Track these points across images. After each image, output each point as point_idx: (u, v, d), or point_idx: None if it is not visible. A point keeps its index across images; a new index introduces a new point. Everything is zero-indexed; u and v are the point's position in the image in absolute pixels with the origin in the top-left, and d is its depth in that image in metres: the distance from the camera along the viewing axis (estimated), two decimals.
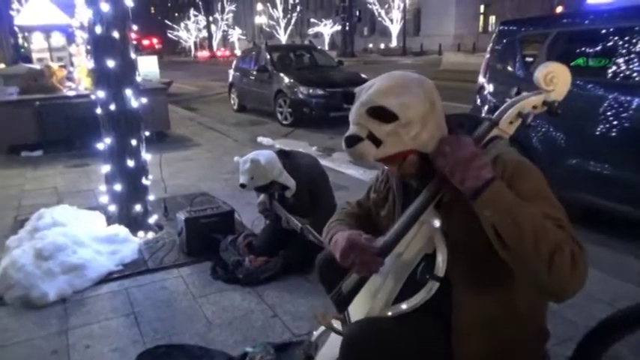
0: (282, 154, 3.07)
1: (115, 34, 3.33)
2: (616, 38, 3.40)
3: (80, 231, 3.29)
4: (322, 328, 1.60)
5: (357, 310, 1.42)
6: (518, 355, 1.32)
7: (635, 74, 3.23)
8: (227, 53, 54.47)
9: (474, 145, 1.15)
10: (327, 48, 39.97)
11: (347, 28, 37.50)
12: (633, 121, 3.14)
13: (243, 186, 2.94)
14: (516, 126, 1.18)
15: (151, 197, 3.87)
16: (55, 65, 8.13)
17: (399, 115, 1.18)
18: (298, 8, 49.09)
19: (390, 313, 1.33)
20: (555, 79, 1.13)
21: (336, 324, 1.45)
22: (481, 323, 1.26)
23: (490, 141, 1.19)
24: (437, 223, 1.26)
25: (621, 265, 2.91)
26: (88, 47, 3.78)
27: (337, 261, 1.37)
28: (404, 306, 1.31)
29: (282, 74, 9.57)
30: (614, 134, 3.25)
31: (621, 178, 3.23)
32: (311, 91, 8.88)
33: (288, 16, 48.64)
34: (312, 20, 49.61)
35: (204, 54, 57.90)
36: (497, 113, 1.19)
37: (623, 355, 1.63)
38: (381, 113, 1.19)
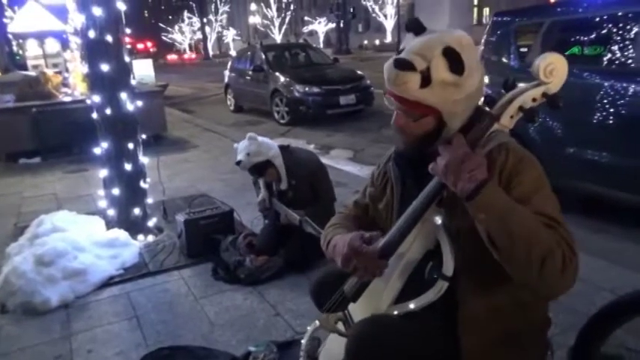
0: (283, 149, 3.09)
1: (109, 38, 3.33)
2: (610, 25, 3.39)
3: (80, 236, 3.29)
4: (317, 323, 1.59)
5: (360, 310, 1.40)
6: (524, 343, 1.31)
7: (630, 61, 3.22)
8: (193, 57, 60.30)
9: (468, 144, 1.13)
10: (322, 46, 39.94)
11: (341, 25, 37.45)
12: (630, 108, 3.14)
13: (238, 163, 2.96)
14: (517, 119, 1.16)
15: (150, 200, 3.87)
16: (50, 72, 8.12)
17: (466, 73, 1.16)
18: (292, 7, 49.05)
19: (396, 312, 1.31)
20: (555, 71, 1.11)
21: (339, 325, 1.44)
22: (487, 314, 1.25)
23: (490, 133, 1.17)
24: (439, 220, 1.24)
25: (622, 253, 2.92)
26: (82, 52, 3.77)
27: (333, 279, 1.38)
28: (412, 305, 1.29)
29: (277, 73, 9.56)
30: (611, 122, 3.24)
31: (620, 165, 3.23)
32: (307, 89, 8.87)
33: (282, 15, 48.57)
34: (306, 18, 49.54)
35: (173, 57, 60.49)
36: (496, 107, 1.16)
37: (625, 340, 1.64)
38: (454, 59, 1.15)
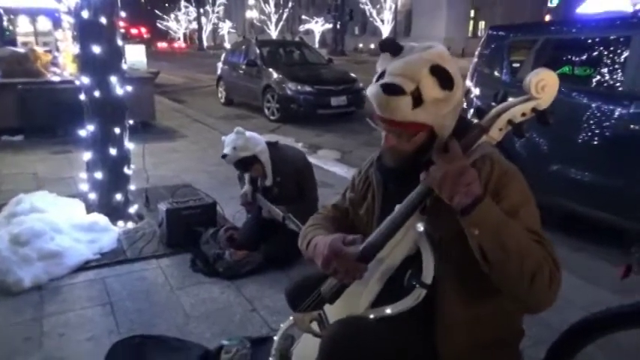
0: (270, 145, 3.08)
1: (102, 20, 3.29)
2: (601, 48, 3.45)
3: (59, 218, 3.24)
4: (291, 320, 1.58)
5: (336, 311, 1.40)
6: (499, 353, 1.33)
7: (618, 84, 3.28)
8: (183, 46, 59.65)
9: (463, 154, 1.13)
10: (317, 45, 39.91)
11: (338, 26, 37.44)
12: (614, 131, 3.19)
13: (224, 156, 2.95)
14: (505, 133, 1.16)
15: (133, 187, 3.83)
16: (40, 49, 7.98)
17: (455, 86, 1.17)
18: (290, 4, 48.94)
19: (372, 316, 1.31)
20: (547, 87, 1.11)
21: (314, 325, 1.43)
22: (464, 322, 1.26)
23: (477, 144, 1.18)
24: (421, 227, 1.25)
25: (597, 272, 2.96)
26: (75, 32, 3.72)
27: (310, 284, 1.38)
28: (388, 310, 1.28)
29: (271, 69, 9.53)
30: (595, 142, 3.30)
31: (601, 186, 3.29)
32: (299, 87, 8.86)
33: (280, 11, 48.42)
34: (303, 17, 49.45)
35: (163, 45, 60.24)
36: (486, 119, 1.16)
37: (594, 357, 1.66)
38: (442, 76, 1.16)
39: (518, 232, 1.11)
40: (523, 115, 1.14)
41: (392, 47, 1.22)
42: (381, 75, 1.22)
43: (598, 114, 3.28)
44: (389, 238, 1.26)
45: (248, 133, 3.02)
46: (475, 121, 1.18)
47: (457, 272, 1.24)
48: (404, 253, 1.28)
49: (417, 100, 1.16)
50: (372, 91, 1.21)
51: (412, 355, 1.31)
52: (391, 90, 1.15)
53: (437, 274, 1.23)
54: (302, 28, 48.99)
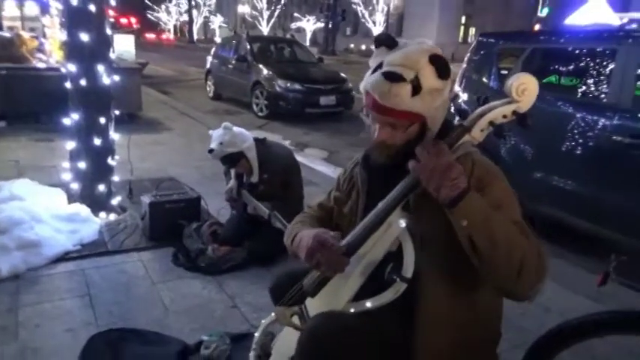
0: (258, 142, 3.07)
1: (92, 7, 3.24)
2: (588, 59, 3.51)
3: (39, 207, 3.19)
4: (273, 316, 1.58)
5: (317, 305, 1.40)
6: (476, 354, 1.35)
7: (602, 96, 3.34)
8: (171, 38, 59.67)
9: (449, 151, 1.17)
10: (308, 44, 39.82)
11: (330, 26, 37.43)
12: (598, 141, 3.25)
13: (211, 151, 2.93)
14: (486, 134, 1.20)
15: (116, 178, 3.79)
16: (26, 35, 7.83)
17: (451, 77, 1.23)
18: (283, 1, 48.78)
19: (352, 310, 1.33)
20: (527, 91, 1.15)
21: (295, 319, 1.44)
22: (445, 321, 1.27)
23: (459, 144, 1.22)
24: (403, 223, 1.27)
25: (575, 278, 3.01)
26: (62, 19, 3.66)
27: (294, 279, 1.39)
28: (368, 304, 1.30)
29: (261, 65, 9.49)
30: (578, 152, 3.35)
31: (582, 195, 3.34)
32: (289, 85, 8.84)
33: (272, 8, 48.22)
34: (295, 15, 49.31)
35: (151, 36, 59.63)
36: (469, 119, 1.20)
37: None
38: (441, 65, 1.21)
39: (505, 222, 1.15)
40: (504, 117, 1.18)
41: (388, 41, 1.28)
42: (377, 68, 1.25)
43: (582, 124, 3.33)
44: (372, 232, 1.28)
45: (236, 129, 3.00)
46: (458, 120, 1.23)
47: (438, 268, 1.26)
48: (386, 248, 1.30)
49: (416, 88, 1.20)
50: (371, 80, 1.24)
51: (392, 350, 1.32)
52: (393, 77, 1.19)
53: (417, 269, 1.25)
54: (294, 25, 48.90)
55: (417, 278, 1.26)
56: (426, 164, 1.14)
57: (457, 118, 1.24)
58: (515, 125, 1.20)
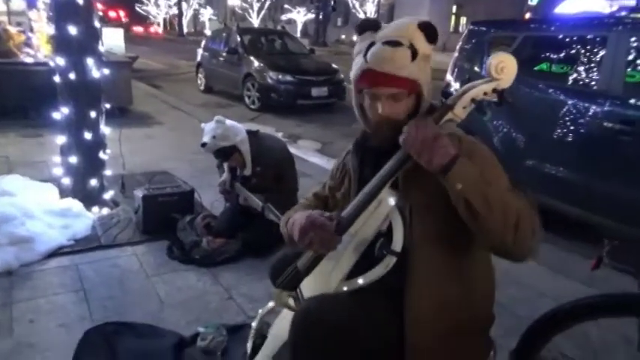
0: (251, 134, 3.06)
1: (79, 0, 3.19)
2: (578, 47, 3.52)
3: (31, 202, 3.16)
4: (270, 305, 1.60)
5: (311, 287, 1.42)
6: (469, 338, 1.36)
7: (593, 83, 3.35)
8: (159, 31, 58.98)
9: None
10: (299, 35, 39.60)
11: (321, 17, 37.23)
12: (588, 128, 3.27)
13: (203, 145, 2.92)
14: (468, 111, 1.25)
15: (108, 172, 3.76)
16: (13, 29, 7.72)
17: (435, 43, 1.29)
18: None
19: (345, 288, 1.35)
20: (505, 68, 1.20)
21: (291, 301, 1.45)
22: (436, 298, 1.29)
23: (444, 123, 1.26)
24: (392, 201, 1.31)
25: (567, 263, 3.04)
26: (50, 12, 3.61)
27: (294, 242, 1.38)
28: (360, 280, 1.33)
29: (252, 57, 9.44)
30: (570, 139, 3.37)
31: (573, 182, 3.37)
32: (280, 77, 8.80)
33: (262, 0, 47.86)
34: (286, 6, 48.97)
35: (139, 29, 59.07)
36: (451, 98, 1.26)
37: (563, 346, 1.71)
38: (429, 29, 1.28)
39: (497, 184, 1.20)
40: (485, 94, 1.24)
41: (374, 23, 1.35)
42: (369, 47, 1.29)
43: (573, 111, 3.35)
44: (363, 209, 1.31)
45: (228, 122, 2.98)
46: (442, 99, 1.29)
47: (427, 244, 1.29)
48: (376, 226, 1.34)
49: (414, 53, 1.26)
50: (371, 52, 1.27)
51: (384, 332, 1.33)
52: (393, 43, 1.26)
53: (407, 247, 1.28)
54: (284, 17, 48.59)
55: (407, 256, 1.29)
56: (416, 137, 1.19)
57: (442, 99, 1.27)
58: (495, 101, 1.27)
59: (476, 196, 1.15)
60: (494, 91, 1.23)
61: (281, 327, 1.52)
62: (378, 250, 1.30)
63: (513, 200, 1.18)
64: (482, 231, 1.17)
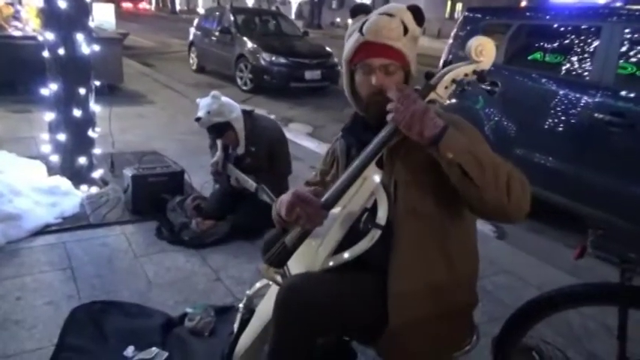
0: (246, 114, 3.04)
1: None
2: (572, 37, 3.51)
3: (18, 179, 3.13)
4: (258, 284, 1.62)
5: (298, 264, 1.44)
6: (452, 317, 1.38)
7: (586, 73, 3.36)
8: (147, 7, 57.79)
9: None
10: (293, 17, 39.14)
11: None
12: (579, 118, 3.29)
13: (198, 120, 2.90)
14: (450, 91, 1.29)
15: (98, 151, 3.73)
16: (1, 2, 7.54)
17: (423, 26, 1.34)
18: None
19: (331, 263, 1.37)
20: (484, 51, 1.26)
21: (278, 277, 1.46)
22: (421, 282, 1.32)
23: (427, 102, 1.29)
24: (377, 178, 1.35)
25: (552, 253, 3.09)
26: None
27: (282, 222, 1.41)
28: (346, 255, 1.35)
29: (245, 38, 9.32)
30: (560, 129, 3.39)
31: (562, 172, 3.39)
32: (274, 58, 8.71)
33: None
34: None
35: (128, 5, 57.67)
36: (434, 79, 1.30)
37: (545, 333, 1.74)
38: (417, 11, 1.33)
39: (485, 149, 1.24)
40: (465, 75, 1.29)
41: (365, 8, 1.41)
42: (363, 24, 1.33)
43: (565, 101, 3.36)
44: (349, 186, 1.34)
45: (224, 99, 2.96)
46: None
47: (412, 213, 1.32)
48: (362, 203, 1.37)
49: (405, 28, 1.32)
50: (371, 21, 1.31)
51: (367, 308, 1.35)
52: (389, 14, 1.31)
53: (391, 219, 1.32)
54: None
55: (391, 231, 1.32)
56: (405, 111, 1.21)
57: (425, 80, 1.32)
58: (476, 82, 1.31)
59: (469, 162, 1.17)
60: (475, 72, 1.28)
61: (268, 305, 1.53)
62: (363, 224, 1.34)
63: (502, 162, 1.22)
64: (477, 195, 1.19)
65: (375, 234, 1.31)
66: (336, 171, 1.54)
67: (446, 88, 1.28)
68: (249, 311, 1.55)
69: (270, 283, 1.55)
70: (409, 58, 1.34)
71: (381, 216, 1.32)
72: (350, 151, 1.49)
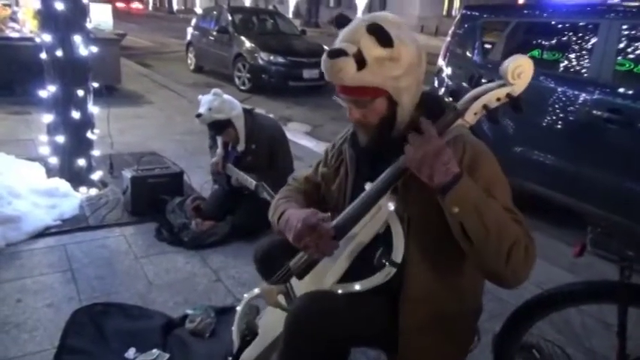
0: (247, 112, 3.04)
1: None
2: (570, 34, 3.52)
3: (17, 182, 3.13)
4: (256, 291, 1.58)
5: (304, 285, 1.40)
6: (456, 330, 1.38)
7: (584, 70, 3.36)
8: (140, 7, 56.35)
9: (438, 135, 1.15)
10: (291, 16, 39.10)
11: None
12: (578, 116, 3.29)
13: (199, 116, 2.91)
14: (479, 117, 1.18)
15: (96, 152, 3.72)
16: None
17: (395, 44, 1.16)
18: None
19: (340, 291, 1.33)
20: (523, 74, 1.12)
21: (281, 298, 1.44)
22: (429, 299, 1.30)
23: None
24: (392, 206, 1.27)
25: (553, 250, 3.08)
26: None
27: (283, 233, 1.36)
28: (357, 287, 1.30)
29: (243, 37, 9.31)
30: (558, 127, 3.39)
31: (561, 169, 3.39)
32: (271, 57, 8.69)
33: None
34: None
35: (121, 5, 57.13)
36: (462, 102, 1.18)
37: (545, 332, 1.75)
38: (380, 34, 1.16)
39: (496, 208, 1.14)
40: (498, 99, 1.15)
41: (340, 20, 1.27)
42: None
43: (563, 99, 3.36)
44: (361, 216, 1.27)
45: (225, 96, 2.97)
46: (450, 100, 1.20)
47: (423, 251, 1.27)
48: (374, 230, 1.30)
49: (361, 61, 1.17)
50: (322, 65, 1.22)
51: (376, 330, 1.34)
52: (333, 53, 1.18)
53: (405, 247, 1.26)
54: None
55: (403, 260, 1.27)
56: (416, 151, 1.13)
57: (450, 99, 1.22)
58: (508, 108, 1.17)
59: (472, 223, 1.10)
60: (508, 96, 1.15)
61: (272, 319, 1.50)
62: (378, 259, 1.27)
63: (511, 227, 1.13)
64: (473, 254, 1.15)
65: (390, 271, 1.26)
66: (343, 180, 1.45)
67: (475, 114, 1.16)
68: (252, 333, 1.51)
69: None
70: (380, 86, 1.19)
71: (398, 253, 1.25)
72: (359, 163, 1.40)
